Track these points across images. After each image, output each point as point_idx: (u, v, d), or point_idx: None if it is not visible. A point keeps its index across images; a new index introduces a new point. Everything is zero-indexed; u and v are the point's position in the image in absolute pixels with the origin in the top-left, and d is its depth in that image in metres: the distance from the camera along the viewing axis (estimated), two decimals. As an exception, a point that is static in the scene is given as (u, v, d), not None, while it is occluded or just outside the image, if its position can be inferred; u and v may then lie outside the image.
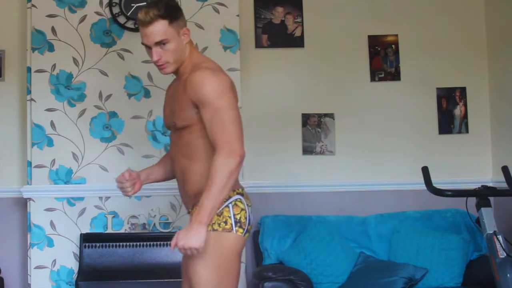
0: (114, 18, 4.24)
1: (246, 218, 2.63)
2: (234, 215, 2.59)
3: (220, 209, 2.58)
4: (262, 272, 3.85)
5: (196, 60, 2.68)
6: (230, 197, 2.61)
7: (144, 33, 2.60)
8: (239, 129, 2.53)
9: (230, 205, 2.61)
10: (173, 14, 2.61)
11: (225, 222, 2.58)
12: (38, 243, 4.15)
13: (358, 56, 4.63)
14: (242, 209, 2.62)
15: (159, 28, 2.57)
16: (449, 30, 4.69)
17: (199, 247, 2.46)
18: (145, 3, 4.19)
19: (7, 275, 4.29)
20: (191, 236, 2.45)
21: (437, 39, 4.67)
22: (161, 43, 2.59)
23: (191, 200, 2.69)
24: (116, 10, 4.25)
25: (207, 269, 2.55)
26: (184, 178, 2.69)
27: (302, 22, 4.60)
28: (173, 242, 2.50)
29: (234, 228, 2.58)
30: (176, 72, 2.71)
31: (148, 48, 2.64)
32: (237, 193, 2.64)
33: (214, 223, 2.57)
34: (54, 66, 4.23)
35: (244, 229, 2.61)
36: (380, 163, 4.59)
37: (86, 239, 4.08)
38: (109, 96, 4.26)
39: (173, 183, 2.89)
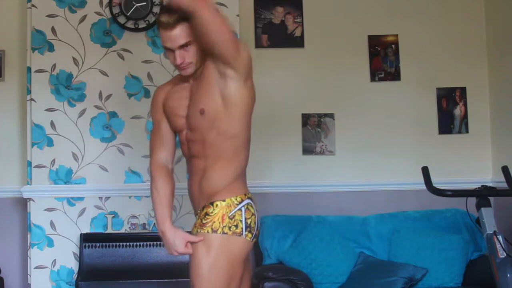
0: (114, 18, 4.24)
1: (255, 223, 2.61)
2: (245, 219, 2.57)
3: (233, 212, 2.56)
4: (262, 272, 3.85)
5: None
6: (242, 200, 2.60)
7: (168, 36, 2.52)
8: None
9: (243, 209, 2.59)
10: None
11: (236, 226, 2.55)
12: (38, 243, 4.15)
13: (358, 56, 4.62)
14: (252, 214, 2.61)
15: (183, 31, 2.51)
16: (449, 30, 4.68)
17: None
18: (144, 3, 4.20)
19: (7, 275, 4.30)
20: None
21: (437, 39, 4.67)
22: (184, 46, 2.54)
23: (203, 199, 2.64)
24: (116, 10, 4.24)
25: (213, 273, 2.51)
26: (204, 175, 2.63)
27: (302, 22, 4.60)
28: None
29: (244, 233, 2.56)
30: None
31: (170, 51, 2.57)
32: (248, 197, 2.63)
33: (225, 226, 2.54)
34: (54, 66, 4.23)
35: (252, 234, 2.59)
36: (380, 163, 4.59)
37: (86, 239, 4.08)
38: (109, 96, 4.26)
39: (173, 183, 2.87)
